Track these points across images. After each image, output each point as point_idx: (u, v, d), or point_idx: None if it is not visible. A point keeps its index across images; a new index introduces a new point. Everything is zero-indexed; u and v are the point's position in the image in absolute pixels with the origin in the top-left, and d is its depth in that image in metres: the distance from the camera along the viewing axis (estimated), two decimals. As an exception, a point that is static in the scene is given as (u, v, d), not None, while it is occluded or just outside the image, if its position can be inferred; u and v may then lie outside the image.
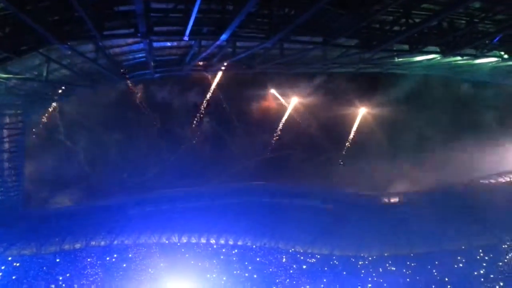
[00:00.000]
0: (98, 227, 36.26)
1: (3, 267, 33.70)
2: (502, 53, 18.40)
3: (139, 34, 12.85)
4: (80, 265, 36.36)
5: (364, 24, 14.72)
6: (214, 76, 27.80)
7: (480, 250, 38.24)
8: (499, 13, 14.60)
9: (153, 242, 37.97)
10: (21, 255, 34.57)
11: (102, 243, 37.00)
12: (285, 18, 13.50)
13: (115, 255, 37.14)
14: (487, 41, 17.53)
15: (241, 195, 37.29)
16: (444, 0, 13.41)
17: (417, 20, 14.42)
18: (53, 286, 35.01)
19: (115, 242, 37.10)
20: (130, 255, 37.45)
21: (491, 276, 37.16)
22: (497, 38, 17.22)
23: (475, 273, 37.71)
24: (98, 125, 39.01)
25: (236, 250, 39.06)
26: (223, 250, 38.88)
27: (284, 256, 39.69)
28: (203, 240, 38.63)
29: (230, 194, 37.38)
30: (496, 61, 19.46)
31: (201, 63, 19.48)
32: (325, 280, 38.72)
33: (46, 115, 32.96)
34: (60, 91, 21.30)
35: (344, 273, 39.08)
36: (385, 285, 38.65)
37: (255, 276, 38.44)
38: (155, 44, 16.03)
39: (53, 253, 35.73)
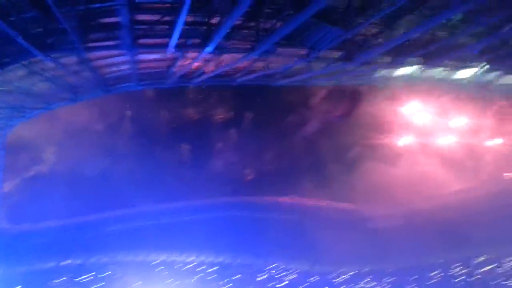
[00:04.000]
0: (74, 245, 35.44)
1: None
2: (484, 63, 18.86)
3: (123, 46, 12.77)
4: (56, 284, 35.35)
5: (347, 37, 14.94)
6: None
7: (457, 264, 38.71)
8: (480, 25, 15.00)
9: (130, 260, 37.21)
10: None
11: (78, 261, 36.11)
12: (270, 30, 13.61)
13: (91, 274, 36.26)
14: (468, 53, 18.01)
15: (220, 210, 37.10)
16: (427, 13, 13.73)
17: (399, 32, 14.75)
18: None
19: (92, 260, 36.24)
20: (107, 274, 36.62)
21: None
22: (476, 50, 17.71)
23: (453, 286, 38.04)
24: (75, 141, 38.40)
25: (214, 268, 38.42)
26: (202, 267, 38.24)
27: (263, 273, 39.19)
28: (181, 258, 37.99)
29: (209, 209, 37.13)
30: (477, 72, 19.91)
31: (185, 75, 19.43)
32: (305, 296, 38.43)
33: (26, 129, 32.42)
34: (43, 104, 20.93)
35: (325, 288, 38.87)
36: (364, 300, 38.63)
37: (234, 293, 37.92)
38: (139, 56, 15.93)
39: (26, 272, 34.44)
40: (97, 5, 11.80)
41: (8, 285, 33.37)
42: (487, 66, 18.67)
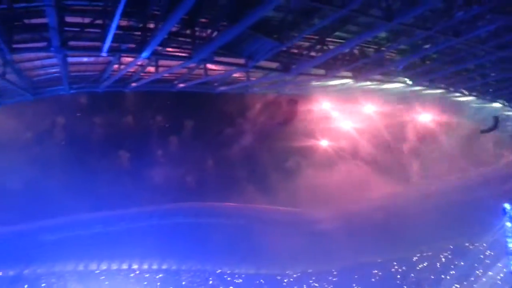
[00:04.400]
0: (6, 256, 33.18)
1: None
2: (406, 79, 20.35)
3: (52, 49, 12.21)
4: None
5: (283, 49, 15.45)
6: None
7: (394, 263, 40.93)
8: (402, 43, 16.24)
9: (69, 270, 35.50)
10: None
11: (11, 272, 33.80)
12: (207, 39, 13.71)
13: (25, 286, 34.04)
14: (393, 68, 19.36)
15: (164, 216, 36.52)
16: (355, 30, 14.62)
17: (331, 47, 15.55)
18: None
19: (26, 272, 34.06)
20: (43, 285, 34.58)
21: (404, 287, 39.92)
22: (401, 66, 19.09)
23: (390, 284, 40.14)
24: (9, 143, 36.01)
25: (160, 275, 37.74)
26: (147, 275, 37.37)
27: (210, 278, 39.14)
28: (124, 266, 36.88)
29: (152, 215, 36.42)
30: (402, 86, 21.42)
31: (120, 80, 18.92)
32: (251, 300, 38.83)
33: None
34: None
35: (271, 291, 39.51)
36: (308, 301, 39.69)
37: (181, 300, 37.41)
38: (70, 59, 15.28)
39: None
40: (22, 4, 11.22)
41: None
42: (410, 82, 20.16)
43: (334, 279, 40.58)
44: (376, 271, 40.70)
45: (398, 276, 40.54)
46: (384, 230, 38.05)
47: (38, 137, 38.77)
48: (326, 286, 40.38)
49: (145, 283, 36.98)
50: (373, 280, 40.38)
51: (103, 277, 36.04)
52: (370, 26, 13.39)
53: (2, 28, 11.11)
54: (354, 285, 40.18)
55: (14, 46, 12.14)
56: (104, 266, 36.25)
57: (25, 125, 36.93)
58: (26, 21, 11.92)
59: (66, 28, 12.09)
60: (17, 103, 21.88)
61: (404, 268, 40.75)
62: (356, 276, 40.50)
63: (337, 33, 15.07)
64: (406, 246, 40.15)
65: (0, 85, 17.35)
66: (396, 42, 16.10)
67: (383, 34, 15.84)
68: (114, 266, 36.55)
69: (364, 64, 18.04)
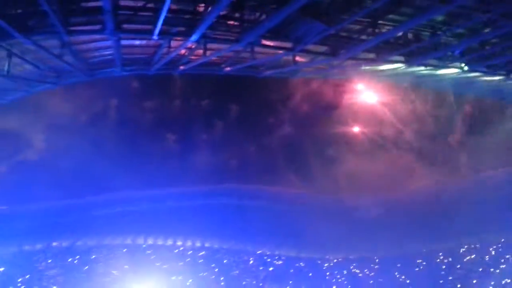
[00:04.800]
0: (60, 228, 35.21)
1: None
2: (463, 65, 19.23)
3: (106, 31, 12.65)
4: (41, 266, 35.21)
5: (332, 32, 15.05)
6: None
7: (440, 253, 39.61)
8: (460, 27, 15.30)
9: (118, 243, 37.27)
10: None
11: (64, 244, 35.96)
12: (255, 22, 13.63)
13: (77, 257, 36.18)
14: (449, 53, 18.34)
15: (208, 197, 37.27)
16: (409, 12, 13.93)
17: (383, 30, 14.94)
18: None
19: (78, 243, 36.13)
20: (93, 257, 36.62)
21: (450, 278, 38.62)
22: (458, 51, 18.04)
23: (435, 275, 39.02)
24: (60, 127, 38.13)
25: (202, 252, 38.91)
26: (189, 252, 38.63)
27: (251, 258, 39.83)
28: (169, 242, 38.28)
29: (197, 196, 37.29)
30: (457, 72, 20.30)
31: (170, 62, 19.33)
32: (291, 282, 39.16)
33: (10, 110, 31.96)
34: (24, 87, 20.62)
35: (310, 275, 39.62)
36: (349, 286, 39.47)
37: (221, 278, 38.41)
38: (123, 42, 15.78)
39: (12, 254, 34.42)
40: (79, -12, 11.67)
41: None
42: (467, 67, 19.05)
43: (376, 267, 40.03)
44: (420, 261, 39.62)
45: (444, 267, 39.25)
46: (431, 219, 36.81)
47: (93, 118, 40.77)
48: (367, 273, 39.96)
49: (188, 259, 38.27)
50: (416, 269, 39.38)
51: (149, 251, 37.63)
52: (426, 9, 12.66)
53: (60, 11, 11.63)
54: (397, 273, 39.41)
55: (71, 28, 12.71)
56: (150, 241, 37.82)
57: (81, 107, 38.87)
58: (82, 4, 12.40)
59: (120, 12, 12.46)
60: (74, 85, 23.01)
61: (450, 259, 39.39)
62: (398, 265, 39.69)
63: (390, 16, 14.43)
64: (453, 237, 38.75)
65: (58, 66, 18.30)
66: (453, 26, 15.16)
67: (439, 17, 14.97)
68: (160, 242, 38.04)
69: (418, 49, 17.21)
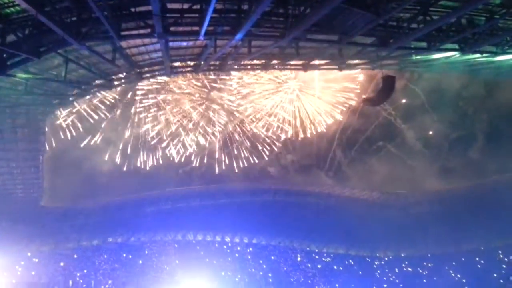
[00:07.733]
0: (115, 225, 36.70)
1: (22, 263, 34.45)
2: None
3: (155, 35, 12.95)
4: (97, 261, 36.89)
5: (380, 22, 14.51)
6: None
7: (500, 251, 37.39)
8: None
9: (169, 239, 38.30)
10: (40, 251, 35.29)
11: (119, 240, 37.45)
12: (300, 16, 13.42)
13: (131, 252, 37.56)
14: (507, 38, 17.17)
15: (257, 193, 37.30)
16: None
17: (435, 17, 14.19)
18: (71, 281, 35.64)
19: (132, 239, 37.52)
20: (146, 252, 37.88)
21: (511, 278, 36.35)
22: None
23: (494, 274, 36.89)
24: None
25: (250, 249, 39.14)
26: (238, 248, 39.01)
27: (299, 255, 39.57)
28: (218, 238, 38.83)
29: (245, 192, 37.42)
30: (517, 58, 19.00)
31: (216, 62, 19.53)
32: (340, 280, 38.48)
33: (65, 114, 33.72)
34: (78, 90, 21.66)
35: (360, 272, 38.76)
36: (401, 285, 38.18)
37: (269, 274, 38.47)
38: (171, 44, 16.13)
39: (71, 249, 36.31)
40: (129, -6, 12.02)
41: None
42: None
43: (430, 265, 38.38)
44: (477, 259, 37.51)
45: (504, 266, 36.94)
46: (490, 217, 34.70)
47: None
48: (420, 271, 38.45)
49: (236, 255, 38.61)
50: (472, 267, 37.34)
51: (199, 247, 38.34)
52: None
53: (111, 17, 12.05)
54: (452, 272, 37.57)
55: (122, 33, 13.15)
56: (199, 237, 38.48)
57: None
58: (131, 9, 12.78)
59: (167, 15, 12.72)
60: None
61: (510, 257, 37.00)
62: (454, 263, 37.80)
63: (442, 2, 13.68)
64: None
65: (111, 70, 19.04)
66: (512, 8, 14.11)
67: (496, 0, 14.01)
68: (209, 238, 38.58)
69: (473, 35, 16.21)
